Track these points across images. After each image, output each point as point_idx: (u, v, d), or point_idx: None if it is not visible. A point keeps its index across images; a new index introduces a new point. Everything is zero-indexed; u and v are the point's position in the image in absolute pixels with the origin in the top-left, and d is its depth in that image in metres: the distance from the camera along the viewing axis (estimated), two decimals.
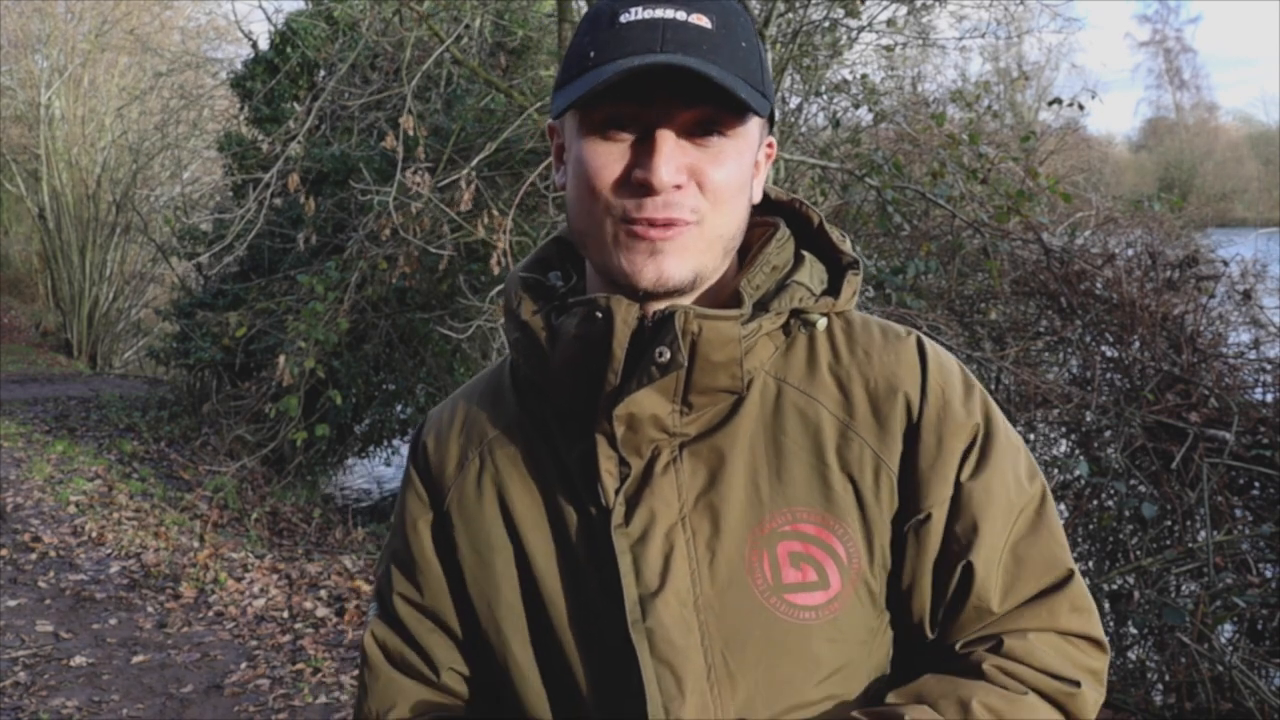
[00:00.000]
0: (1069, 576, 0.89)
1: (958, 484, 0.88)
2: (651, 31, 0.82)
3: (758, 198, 0.94)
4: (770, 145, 0.95)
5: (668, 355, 0.84)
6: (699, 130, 0.84)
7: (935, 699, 0.84)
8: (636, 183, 0.83)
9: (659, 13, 0.83)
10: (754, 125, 0.88)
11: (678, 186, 0.83)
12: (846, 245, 0.96)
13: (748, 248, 0.95)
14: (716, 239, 0.86)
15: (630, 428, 0.87)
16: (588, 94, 0.81)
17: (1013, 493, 0.89)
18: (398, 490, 1.07)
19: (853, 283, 0.94)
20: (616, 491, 0.88)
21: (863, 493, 0.88)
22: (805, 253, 0.95)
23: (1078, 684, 0.86)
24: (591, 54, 0.84)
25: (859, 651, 0.88)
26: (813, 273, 0.93)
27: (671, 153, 0.82)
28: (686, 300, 0.88)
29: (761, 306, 0.89)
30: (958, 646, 0.88)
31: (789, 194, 1.00)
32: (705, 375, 0.86)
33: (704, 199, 0.84)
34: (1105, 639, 0.91)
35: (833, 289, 0.93)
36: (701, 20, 0.83)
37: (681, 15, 0.83)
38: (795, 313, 0.91)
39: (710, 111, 0.83)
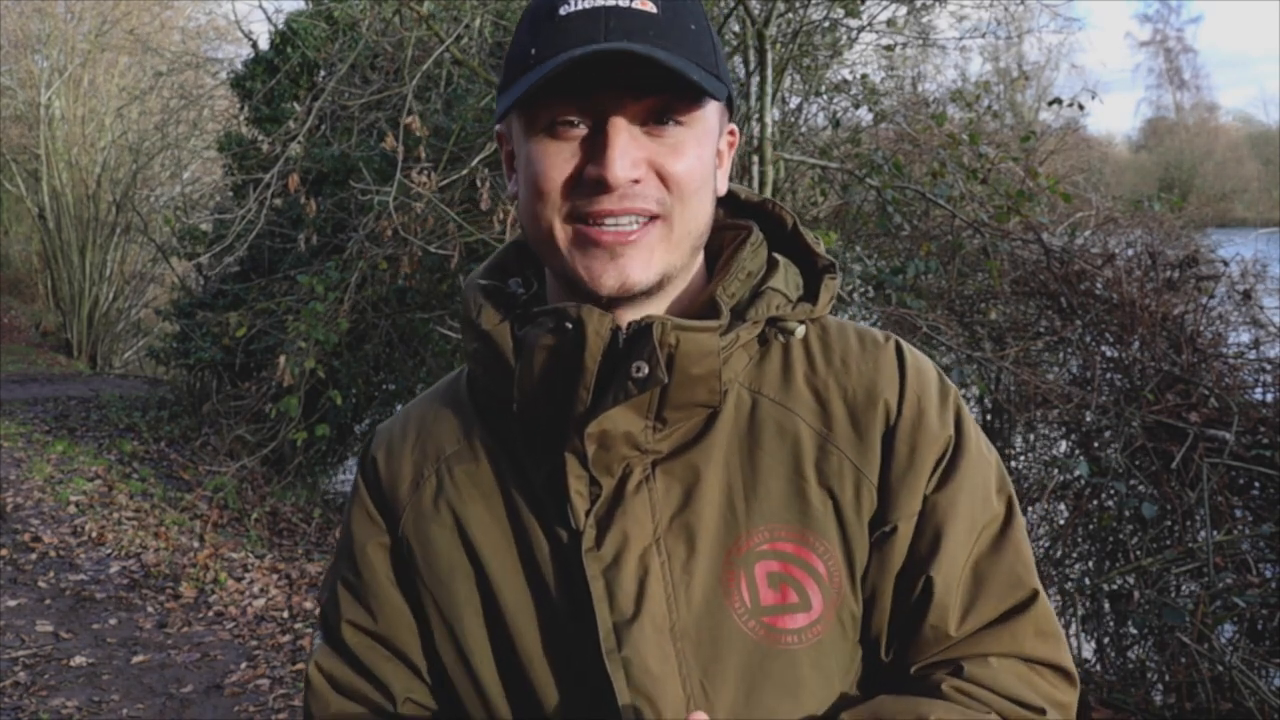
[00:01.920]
0: (1033, 597, 0.84)
1: (924, 496, 0.84)
2: (593, 21, 0.77)
3: (723, 190, 0.90)
4: (732, 133, 0.91)
5: (645, 370, 0.79)
6: (654, 119, 0.79)
7: (891, 717, 0.80)
8: (590, 180, 0.77)
9: (600, 1, 0.78)
10: (712, 112, 0.83)
11: (636, 181, 0.78)
12: (821, 248, 0.92)
13: (719, 252, 0.91)
14: (684, 235, 0.82)
15: (602, 446, 0.82)
16: (527, 92, 0.76)
17: (978, 509, 0.85)
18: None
19: (830, 287, 0.89)
20: (587, 513, 0.83)
21: (843, 508, 0.84)
22: (779, 257, 0.90)
23: (1043, 711, 0.82)
24: (532, 51, 0.79)
25: (843, 681, 0.84)
26: (788, 277, 0.89)
27: (626, 145, 0.77)
28: (656, 306, 0.84)
29: (737, 315, 0.85)
30: (913, 670, 0.84)
31: (759, 195, 0.96)
32: (682, 390, 0.81)
33: (668, 193, 0.79)
34: (1074, 670, 0.86)
35: (809, 294, 0.89)
36: (646, 5, 0.78)
37: (624, 2, 0.78)
38: (772, 321, 0.87)
39: (664, 99, 0.78)
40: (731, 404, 0.86)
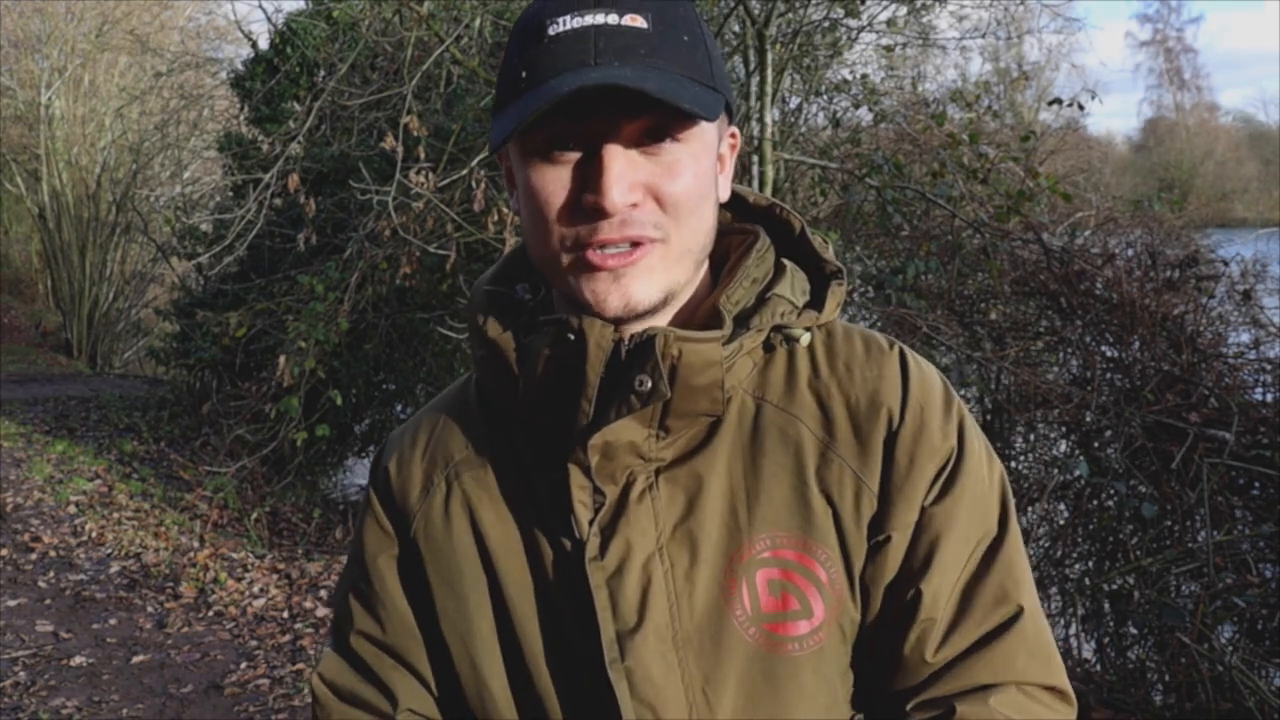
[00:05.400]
0: (1018, 614, 0.82)
1: (921, 508, 0.83)
2: (582, 43, 0.76)
3: (725, 196, 0.89)
4: (734, 136, 0.90)
5: (649, 384, 0.79)
6: (649, 138, 0.78)
7: None
8: (588, 207, 0.77)
9: (589, 19, 0.76)
10: (709, 123, 0.82)
11: (634, 205, 0.77)
12: (829, 253, 0.90)
13: (725, 257, 0.90)
14: (685, 253, 0.81)
15: (605, 456, 0.82)
16: (519, 126, 0.75)
17: (974, 525, 0.84)
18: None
19: (837, 294, 0.88)
20: (590, 522, 0.83)
21: (842, 516, 0.83)
22: (786, 262, 0.89)
23: None
24: (523, 74, 0.78)
25: (843, 688, 0.84)
26: (794, 283, 0.88)
27: (622, 171, 0.76)
28: (661, 319, 0.83)
29: (741, 323, 0.84)
30: (909, 706, 0.82)
31: (767, 198, 0.94)
32: (685, 400, 0.81)
33: (665, 215, 0.79)
34: (1070, 690, 0.84)
35: (815, 300, 0.88)
36: (636, 21, 0.77)
37: (614, 19, 0.77)
38: (777, 328, 0.86)
39: (657, 118, 0.77)
40: (735, 411, 0.86)
